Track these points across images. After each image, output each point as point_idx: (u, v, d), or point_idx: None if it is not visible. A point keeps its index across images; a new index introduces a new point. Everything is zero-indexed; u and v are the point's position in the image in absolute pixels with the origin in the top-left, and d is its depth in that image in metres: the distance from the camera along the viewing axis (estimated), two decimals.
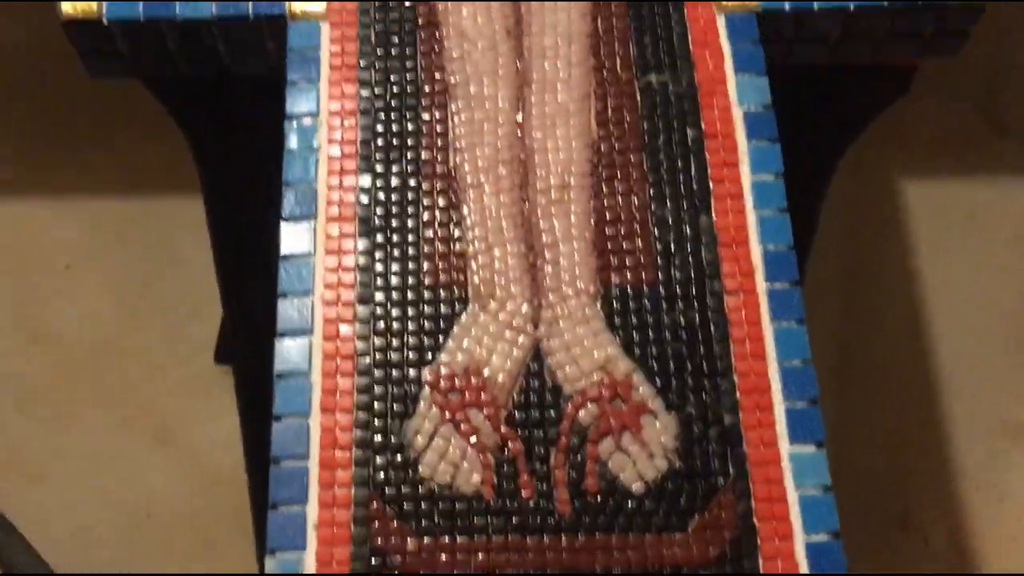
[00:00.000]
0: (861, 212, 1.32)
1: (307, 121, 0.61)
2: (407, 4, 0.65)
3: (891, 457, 1.17)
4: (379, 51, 0.64)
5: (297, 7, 0.64)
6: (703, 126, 0.62)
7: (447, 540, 0.52)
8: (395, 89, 0.63)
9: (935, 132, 1.36)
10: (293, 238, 0.58)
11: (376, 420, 0.54)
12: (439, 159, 0.61)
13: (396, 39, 0.64)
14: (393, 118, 0.62)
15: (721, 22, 0.65)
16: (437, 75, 0.63)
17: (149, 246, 1.31)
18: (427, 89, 0.63)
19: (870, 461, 1.17)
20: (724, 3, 0.65)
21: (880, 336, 1.23)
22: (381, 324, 0.57)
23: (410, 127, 0.62)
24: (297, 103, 0.62)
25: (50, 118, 1.36)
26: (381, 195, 0.60)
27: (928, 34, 0.68)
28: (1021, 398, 1.21)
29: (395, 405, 0.55)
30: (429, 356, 0.56)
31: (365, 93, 0.63)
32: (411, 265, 0.58)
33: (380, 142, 0.61)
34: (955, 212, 1.32)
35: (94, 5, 0.63)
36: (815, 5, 0.66)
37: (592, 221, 0.60)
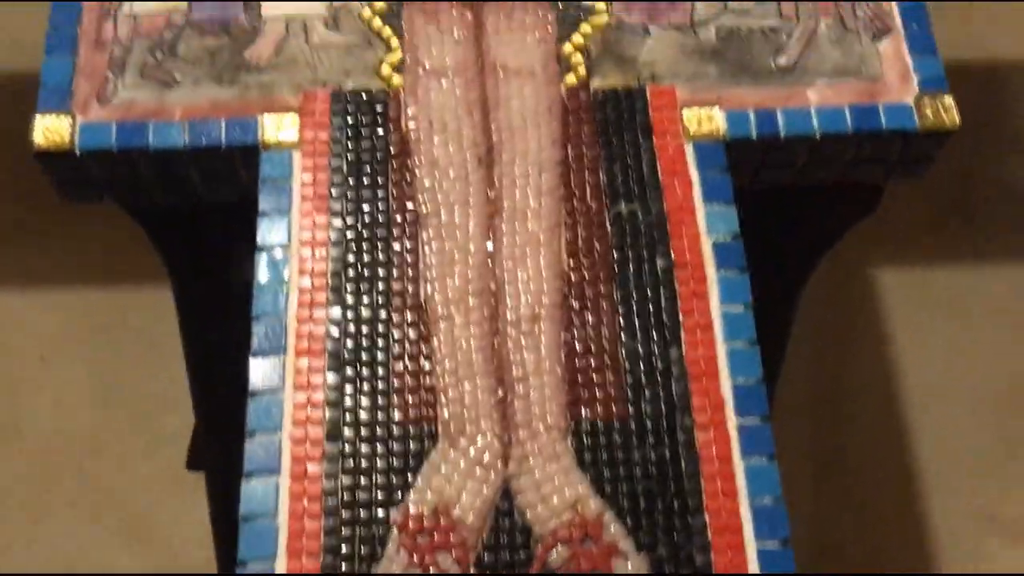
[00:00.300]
0: (835, 306, 1.32)
1: (278, 253, 0.62)
2: (379, 133, 0.66)
3: (871, 552, 1.16)
4: (351, 180, 0.64)
5: (270, 136, 0.65)
6: (672, 256, 0.63)
7: None
8: (367, 219, 0.63)
9: (910, 223, 1.37)
10: (261, 373, 0.58)
11: (343, 564, 0.53)
12: (410, 290, 0.61)
13: (368, 168, 0.65)
14: (364, 248, 0.62)
15: (689, 151, 0.66)
16: (408, 204, 0.64)
17: (124, 337, 1.30)
18: (398, 219, 0.63)
19: (850, 556, 1.16)
20: (692, 132, 0.66)
21: (856, 434, 1.23)
22: (350, 462, 0.56)
23: (381, 257, 0.62)
24: (268, 234, 0.62)
25: (24, 207, 1.36)
26: (351, 327, 0.60)
27: (894, 159, 0.69)
28: (1004, 492, 1.21)
29: (362, 548, 0.54)
30: (398, 495, 0.55)
31: (337, 223, 0.63)
32: (380, 400, 0.58)
33: (351, 273, 0.62)
34: (931, 301, 1.33)
35: (67, 135, 0.64)
36: (781, 133, 0.67)
37: (562, 354, 0.60)
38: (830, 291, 1.32)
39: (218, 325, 0.80)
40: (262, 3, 0.70)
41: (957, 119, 0.67)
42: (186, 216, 0.73)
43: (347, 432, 0.57)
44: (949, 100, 0.67)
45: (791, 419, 1.19)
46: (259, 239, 0.62)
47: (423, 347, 0.60)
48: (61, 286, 1.33)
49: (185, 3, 0.69)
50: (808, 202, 0.74)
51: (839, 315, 1.32)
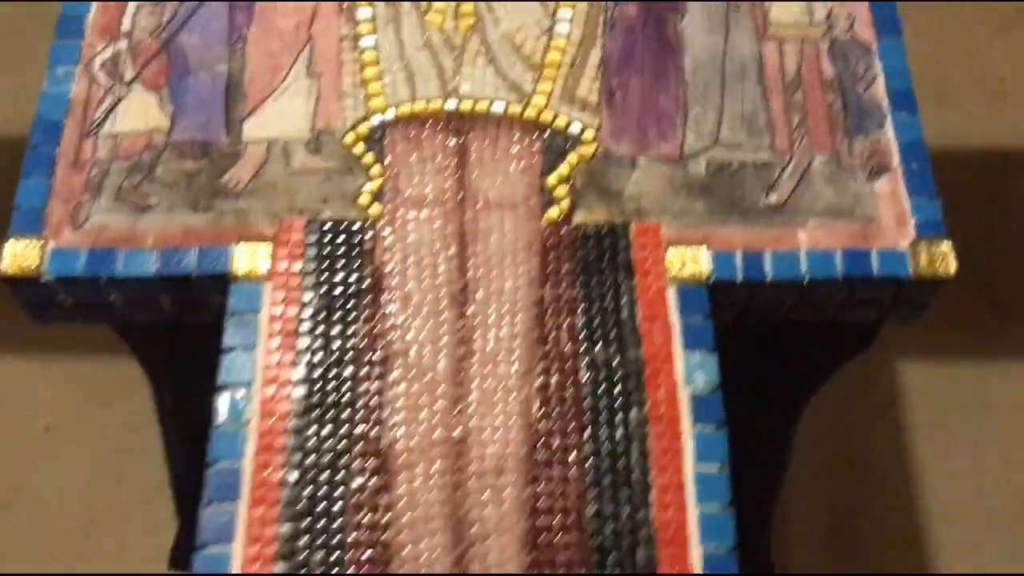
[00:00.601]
0: (854, 402, 1.28)
1: (239, 393, 0.60)
2: (353, 266, 0.64)
3: None
4: (321, 315, 0.63)
5: (241, 266, 0.64)
6: (647, 408, 0.60)
7: None
8: (334, 357, 0.61)
9: (937, 316, 1.33)
10: (212, 525, 0.56)
11: None
12: (373, 435, 0.59)
13: (339, 303, 0.63)
14: (329, 388, 0.61)
15: (671, 294, 0.63)
16: (379, 342, 0.62)
17: (129, 408, 1.30)
18: (367, 357, 0.62)
19: None
20: (675, 273, 0.64)
21: (872, 538, 1.18)
22: None
23: (346, 398, 0.60)
24: (231, 372, 0.61)
25: None
26: (310, 474, 0.58)
27: (887, 303, 0.66)
28: None
29: None
30: None
31: (303, 360, 0.61)
32: (334, 555, 0.56)
33: (315, 414, 0.60)
34: (957, 401, 1.28)
35: (35, 261, 0.63)
36: (768, 277, 0.64)
37: (526, 510, 0.57)
38: (849, 386, 1.28)
39: (198, 432, 0.79)
40: (244, 123, 0.69)
41: (953, 268, 0.64)
42: (165, 328, 0.72)
43: None
44: (946, 246, 0.65)
45: (804, 523, 1.15)
46: (220, 377, 0.60)
47: (382, 497, 0.58)
48: (65, 355, 1.33)
49: (167, 123, 0.68)
50: (799, 338, 0.71)
51: (858, 412, 1.28)
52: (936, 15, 1.53)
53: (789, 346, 0.71)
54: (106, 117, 0.68)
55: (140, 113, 0.68)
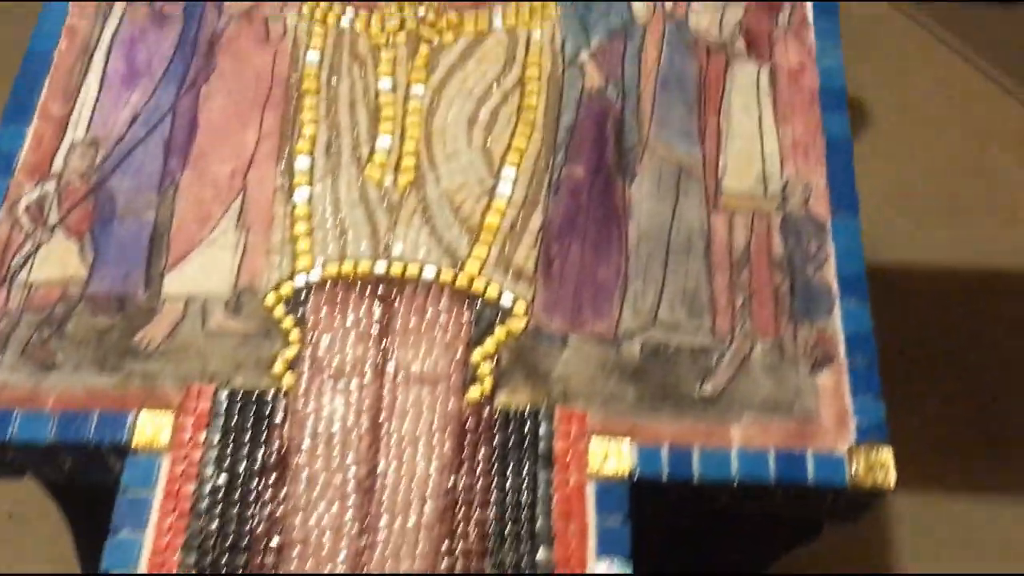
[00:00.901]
0: (838, 531, 1.23)
1: None
2: (259, 440, 0.61)
3: None
4: (220, 494, 0.60)
5: (142, 436, 0.61)
6: None
7: None
8: (228, 542, 0.58)
9: (931, 444, 1.28)
10: None
11: None
12: None
13: (241, 481, 0.60)
14: None
15: (591, 490, 0.60)
16: (278, 527, 0.59)
17: None
18: (264, 544, 0.58)
19: None
20: (597, 468, 0.60)
21: None
22: None
23: None
24: (114, 556, 0.58)
25: None
26: None
27: (825, 507, 0.62)
28: None
29: None
30: None
31: (195, 545, 0.58)
32: None
33: None
34: (946, 534, 1.23)
35: None
36: (695, 476, 0.60)
37: None
38: None
39: None
40: (166, 276, 0.66)
41: (892, 480, 0.60)
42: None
43: None
44: (887, 454, 0.61)
45: None
46: (103, 562, 0.57)
47: None
48: None
49: (85, 273, 0.66)
50: (736, 527, 0.67)
51: (845, 542, 1.23)
52: (948, 133, 1.50)
53: (723, 538, 0.67)
54: (24, 264, 0.66)
55: (59, 261, 0.66)
